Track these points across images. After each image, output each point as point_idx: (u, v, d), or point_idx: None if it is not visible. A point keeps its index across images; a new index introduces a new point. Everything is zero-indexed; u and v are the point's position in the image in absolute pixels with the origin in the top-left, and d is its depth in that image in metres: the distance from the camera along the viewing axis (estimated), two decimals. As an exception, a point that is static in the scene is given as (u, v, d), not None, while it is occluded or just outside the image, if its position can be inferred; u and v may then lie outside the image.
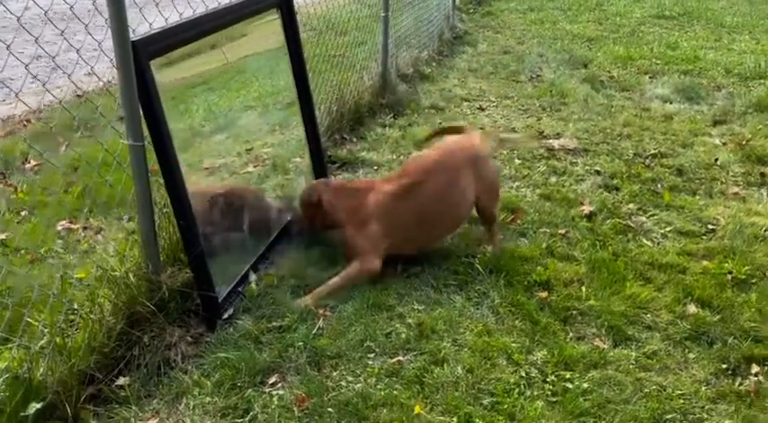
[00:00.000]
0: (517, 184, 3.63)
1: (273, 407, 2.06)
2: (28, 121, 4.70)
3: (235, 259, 2.78)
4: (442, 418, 2.02)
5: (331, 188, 2.95)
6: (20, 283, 2.35)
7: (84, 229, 3.11)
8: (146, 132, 2.16)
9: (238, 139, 3.48)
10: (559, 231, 3.09)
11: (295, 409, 2.05)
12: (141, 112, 2.10)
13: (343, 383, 2.16)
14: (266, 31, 3.22)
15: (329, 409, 2.05)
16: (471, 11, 9.36)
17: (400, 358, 2.27)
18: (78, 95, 4.98)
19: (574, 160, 3.97)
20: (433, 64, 6.33)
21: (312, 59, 4.69)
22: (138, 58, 2.02)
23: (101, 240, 2.91)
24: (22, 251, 2.88)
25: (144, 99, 2.09)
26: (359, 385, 2.15)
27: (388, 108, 4.89)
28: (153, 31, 2.14)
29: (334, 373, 2.21)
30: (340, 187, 2.99)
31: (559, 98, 5.22)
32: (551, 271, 2.74)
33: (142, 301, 2.24)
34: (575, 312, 2.52)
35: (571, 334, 2.42)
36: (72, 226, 3.12)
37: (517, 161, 3.93)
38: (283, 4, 3.09)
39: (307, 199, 2.96)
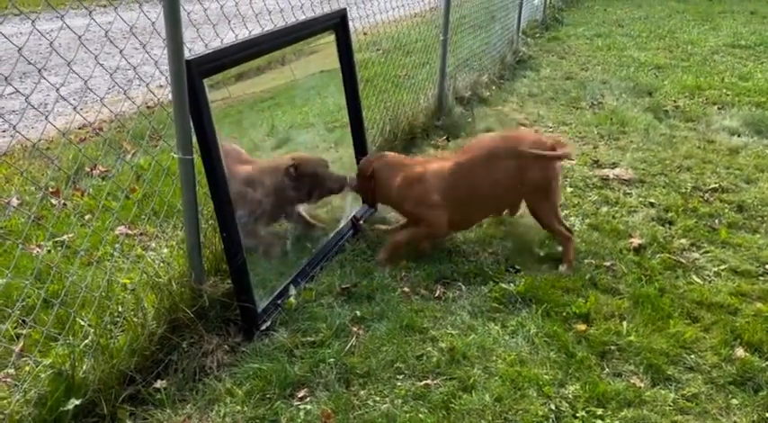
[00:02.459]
0: (566, 212, 3.56)
1: (300, 420, 2.09)
2: (100, 129, 4.97)
3: (276, 271, 2.85)
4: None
5: (386, 162, 3.09)
6: (72, 285, 2.47)
7: (141, 235, 3.25)
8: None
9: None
10: (605, 263, 3.02)
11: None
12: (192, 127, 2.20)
13: (370, 403, 2.18)
14: (334, 49, 3.32)
15: (353, 427, 2.07)
16: (537, 35, 9.32)
17: (429, 382, 2.27)
18: (148, 106, 5.28)
19: (628, 191, 3.88)
20: (493, 87, 6.32)
21: (375, 78, 4.80)
22: (192, 75, 2.12)
23: (153, 247, 3.04)
24: (82, 253, 3.04)
25: (195, 115, 2.20)
26: (385, 406, 2.16)
27: (443, 130, 4.92)
28: (207, 51, 2.25)
29: (362, 392, 2.23)
30: (396, 161, 3.12)
31: (619, 126, 5.11)
32: (592, 303, 2.68)
33: (183, 308, 2.34)
34: (613, 348, 2.46)
35: (607, 370, 2.36)
36: (129, 232, 3.28)
37: (569, 189, 3.87)
38: (339, 26, 3.17)
39: (362, 171, 3.12)
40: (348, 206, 3.50)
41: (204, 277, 2.45)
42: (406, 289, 2.81)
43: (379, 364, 2.35)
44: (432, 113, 5.00)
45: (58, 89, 2.22)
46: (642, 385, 2.28)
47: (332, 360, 2.35)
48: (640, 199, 3.77)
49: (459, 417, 2.11)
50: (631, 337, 2.50)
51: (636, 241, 3.20)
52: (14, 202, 3.63)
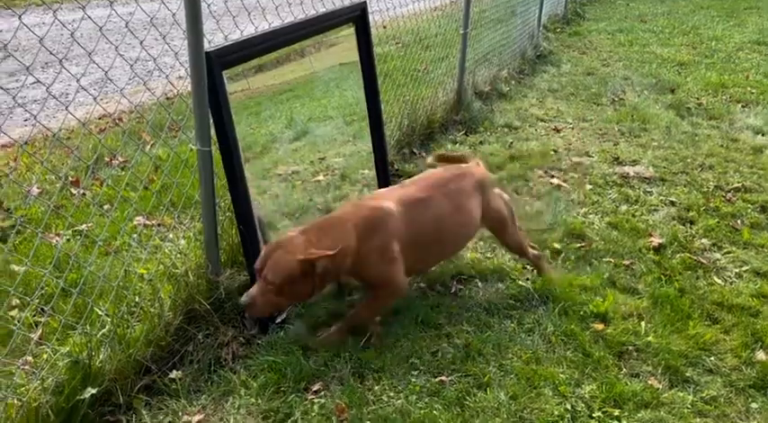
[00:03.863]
0: (585, 210, 3.53)
1: (314, 414, 2.09)
2: (120, 119, 5.00)
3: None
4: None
5: (306, 238, 2.24)
6: (90, 274, 2.49)
7: (159, 225, 3.26)
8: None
9: (314, 148, 3.58)
10: (624, 262, 2.98)
11: (334, 418, 2.08)
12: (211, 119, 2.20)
13: (384, 398, 2.17)
14: (353, 42, 3.31)
15: (368, 422, 2.07)
16: (558, 30, 9.22)
17: (443, 378, 2.25)
18: (168, 98, 5.30)
19: (648, 189, 3.82)
20: (512, 82, 6.26)
21: (394, 72, 4.77)
22: (211, 67, 2.12)
23: (170, 238, 3.05)
24: (100, 243, 3.06)
25: (214, 107, 2.19)
26: (399, 402, 2.15)
27: (461, 125, 4.89)
28: (227, 43, 2.24)
29: (377, 387, 2.22)
30: (318, 228, 2.31)
31: (640, 124, 5.04)
32: (610, 303, 2.65)
33: (200, 299, 2.34)
34: (630, 348, 2.43)
35: (625, 370, 2.33)
36: (147, 222, 3.29)
37: (588, 187, 3.83)
38: (359, 19, 3.15)
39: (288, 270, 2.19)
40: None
41: (221, 269, 2.46)
42: (422, 284, 2.80)
43: (394, 359, 2.34)
44: (450, 108, 4.97)
45: (78, 80, 2.22)
46: (660, 387, 2.25)
47: (347, 354, 2.34)
48: (661, 197, 3.71)
49: (473, 414, 2.10)
50: (650, 338, 2.46)
51: (656, 240, 3.16)
52: (35, 190, 3.67)
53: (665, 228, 3.32)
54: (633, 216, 3.47)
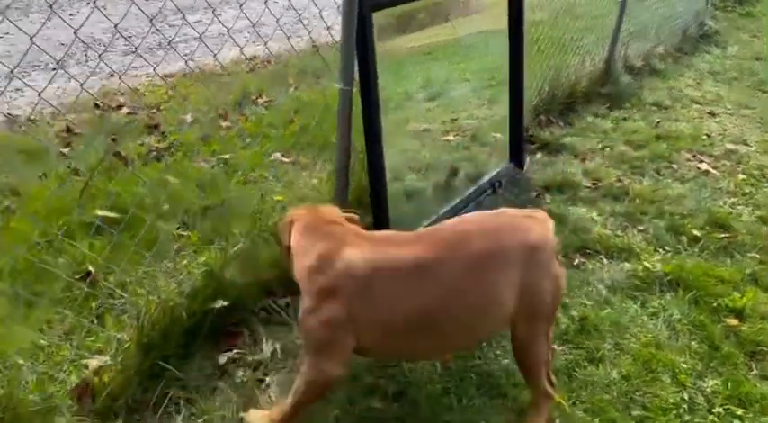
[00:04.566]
0: (734, 200, 3.25)
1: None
2: (269, 61, 5.24)
3: (416, 215, 2.87)
4: (583, 415, 1.94)
5: (305, 222, 1.82)
6: (229, 198, 2.66)
7: (293, 164, 3.42)
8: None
9: (447, 109, 3.56)
10: (771, 260, 2.74)
11: (439, 366, 2.10)
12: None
13: (491, 355, 2.17)
14: (499, 10, 3.24)
15: (471, 375, 2.07)
16: (729, 9, 8.43)
17: (554, 347, 2.20)
18: (314, 46, 5.47)
19: (813, 188, 3.46)
20: (669, 60, 5.83)
21: (541, 40, 4.61)
22: (362, 6, 2.14)
23: (304, 176, 3.19)
24: (239, 172, 3.26)
25: (360, 47, 2.23)
26: (506, 361, 2.13)
27: (606, 98, 4.64)
28: (380, -15, 2.26)
29: (484, 344, 2.21)
30: (315, 223, 1.81)
31: (813, 117, 4.53)
32: (749, 299, 2.44)
33: (324, 233, 2.43)
34: (766, 349, 2.24)
35: (755, 371, 2.16)
36: (284, 159, 3.45)
37: (741, 176, 3.52)
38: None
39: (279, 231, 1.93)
40: (492, 164, 3.42)
41: (347, 206, 2.53)
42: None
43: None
44: (596, 79, 4.72)
45: (228, 29, 2.33)
46: (794, 395, 2.07)
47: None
48: (828, 197, 3.34)
49: (581, 385, 2.04)
50: (790, 343, 2.26)
51: (812, 242, 2.86)
52: (189, 118, 3.95)
53: (826, 231, 2.99)
54: (790, 213, 3.15)
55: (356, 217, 1.94)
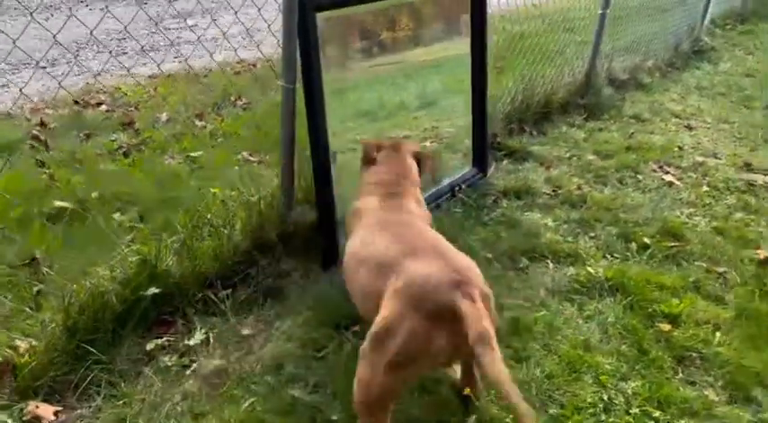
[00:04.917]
0: (692, 211, 3.26)
1: (346, 349, 2.16)
2: (254, 65, 5.33)
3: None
4: (498, 411, 1.96)
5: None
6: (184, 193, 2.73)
7: (259, 162, 3.48)
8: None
9: (432, 117, 3.61)
10: (717, 269, 2.74)
11: (364, 358, 2.13)
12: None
13: (419, 351, 2.19)
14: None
15: (395, 370, 2.10)
16: (729, 26, 8.42)
17: (482, 345, 2.23)
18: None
19: (776, 200, 3.46)
20: (657, 74, 5.85)
21: (528, 50, 4.67)
22: (304, 6, 2.20)
23: (267, 173, 3.24)
24: (204, 169, 3.32)
25: (303, 47, 2.29)
26: (433, 357, 2.16)
27: (584, 109, 4.66)
28: (323, -14, 2.32)
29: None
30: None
31: (791, 133, 4.53)
32: (686, 306, 2.45)
33: (268, 228, 2.48)
34: (695, 355, 2.25)
35: (681, 375, 2.17)
36: (251, 158, 3.52)
37: (704, 188, 3.52)
38: (476, -18, 3.10)
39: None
40: (456, 168, 3.46)
41: (293, 204, 2.58)
42: (489, 255, 2.76)
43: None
44: (576, 90, 4.75)
45: (224, 33, 2.40)
46: (716, 399, 2.07)
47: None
48: (788, 212, 3.34)
49: (501, 383, 2.06)
50: (720, 349, 2.26)
51: (763, 253, 2.86)
52: (164, 117, 4.03)
53: (779, 243, 2.99)
54: (747, 225, 3.15)
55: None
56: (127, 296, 2.12)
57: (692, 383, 2.14)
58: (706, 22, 7.60)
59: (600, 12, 4.67)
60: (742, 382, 2.13)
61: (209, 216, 2.43)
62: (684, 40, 6.83)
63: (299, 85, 2.37)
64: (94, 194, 2.74)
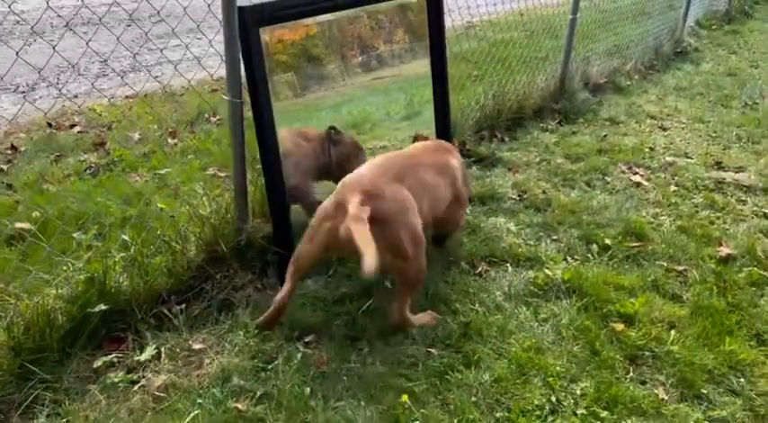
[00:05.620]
0: (657, 211, 3.26)
1: (296, 361, 2.16)
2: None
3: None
4: (444, 416, 1.96)
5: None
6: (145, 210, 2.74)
7: (228, 177, 3.49)
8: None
9: (415, 127, 3.61)
10: (677, 267, 2.73)
11: (312, 368, 2.14)
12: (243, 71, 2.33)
13: (369, 360, 2.19)
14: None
15: (343, 378, 2.10)
16: (714, 27, 8.44)
17: (433, 351, 2.23)
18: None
19: (743, 198, 3.44)
20: (636, 77, 5.87)
21: (508, 59, 4.70)
22: (244, 21, 2.23)
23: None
24: (171, 185, 3.34)
25: (247, 62, 2.31)
26: (381, 367, 2.15)
27: (559, 114, 4.67)
28: (263, 2, 2.35)
29: (365, 349, 2.24)
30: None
31: (766, 130, 4.52)
32: (642, 305, 2.45)
33: (221, 242, 2.49)
34: (647, 354, 2.24)
35: (632, 375, 2.16)
36: (219, 173, 3.54)
37: (672, 188, 3.52)
38: (432, -11, 3.13)
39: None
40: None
41: (248, 217, 2.60)
42: (450, 258, 2.76)
43: (392, 327, 2.34)
44: (549, 96, 4.76)
45: (199, 59, 2.44)
46: (666, 398, 2.06)
47: (347, 317, 2.39)
48: (755, 208, 3.33)
49: (448, 387, 2.06)
50: (674, 347, 2.25)
51: (725, 251, 2.85)
52: (136, 136, 4.07)
53: (743, 239, 2.98)
54: (711, 223, 3.15)
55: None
56: (74, 314, 2.13)
57: (643, 382, 2.13)
58: (689, 22, 7.61)
59: (570, 17, 4.69)
60: (693, 380, 2.12)
61: (159, 232, 2.44)
62: (665, 42, 6.85)
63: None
64: (55, 214, 2.76)
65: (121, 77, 4.49)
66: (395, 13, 3.06)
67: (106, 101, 4.68)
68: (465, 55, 5.36)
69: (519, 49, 5.60)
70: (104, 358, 2.14)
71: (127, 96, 4.96)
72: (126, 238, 2.40)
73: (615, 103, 5.10)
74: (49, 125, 4.12)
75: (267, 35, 2.40)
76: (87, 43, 2.56)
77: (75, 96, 4.88)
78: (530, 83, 4.69)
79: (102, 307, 2.16)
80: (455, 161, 2.67)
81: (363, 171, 2.32)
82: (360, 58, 2.96)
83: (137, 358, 2.16)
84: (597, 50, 5.85)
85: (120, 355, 2.17)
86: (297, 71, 2.59)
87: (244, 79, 2.38)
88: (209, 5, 2.45)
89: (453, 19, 4.24)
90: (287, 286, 2.27)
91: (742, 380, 2.15)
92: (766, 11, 10.00)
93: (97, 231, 2.76)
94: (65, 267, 2.25)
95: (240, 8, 2.22)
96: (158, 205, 2.65)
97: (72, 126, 4.20)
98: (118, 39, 2.50)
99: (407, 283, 2.28)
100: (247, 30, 2.27)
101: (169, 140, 4.07)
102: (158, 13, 2.65)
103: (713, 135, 4.46)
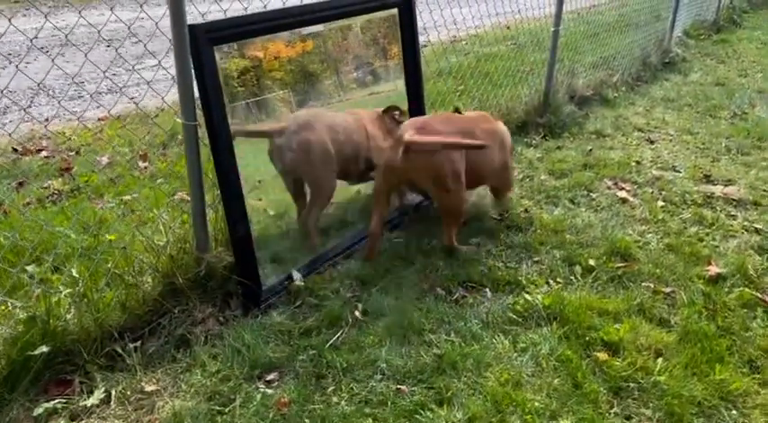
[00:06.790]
0: (644, 228, 3.12)
1: (255, 403, 2.01)
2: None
3: (297, 251, 2.78)
4: None
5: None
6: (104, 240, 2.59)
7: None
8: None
9: None
10: (665, 289, 2.59)
11: (272, 411, 1.98)
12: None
13: (334, 400, 2.04)
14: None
15: (305, 421, 1.95)
16: (702, 36, 8.38)
17: (403, 387, 2.07)
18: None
19: (733, 213, 3.31)
20: (623, 89, 5.76)
21: (492, 73, 4.60)
22: (195, 39, 2.10)
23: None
24: (137, 212, 3.20)
25: (200, 82, 2.18)
26: (347, 407, 2.00)
27: (544, 128, 4.55)
28: (216, 20, 2.22)
29: (331, 388, 2.09)
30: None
31: (756, 141, 4.41)
32: (627, 331, 2.30)
33: (178, 274, 2.34)
34: (633, 385, 2.09)
35: (616, 409, 2.00)
36: (186, 197, 3.39)
37: (660, 204, 3.38)
38: (403, 3, 3.02)
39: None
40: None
41: (208, 246, 2.45)
42: (425, 286, 2.62)
43: (361, 360, 2.19)
44: (534, 109, 4.65)
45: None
46: (652, 435, 1.91)
47: (314, 352, 2.23)
48: (745, 223, 3.20)
49: (418, 430, 1.91)
50: (661, 378, 2.10)
51: (714, 270, 2.71)
52: (104, 160, 3.93)
53: (733, 257, 2.84)
54: (700, 240, 3.01)
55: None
56: (14, 357, 1.97)
57: (628, 418, 1.98)
58: (677, 32, 7.55)
59: (552, 29, 4.59)
60: (681, 414, 1.97)
61: (110, 264, 2.29)
62: (653, 53, 6.77)
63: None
64: (9, 245, 2.61)
65: (93, 98, 4.34)
66: (354, 31, 2.94)
67: (77, 123, 4.56)
68: (452, 70, 5.27)
69: (504, 61, 5.53)
70: (46, 405, 1.97)
71: (100, 118, 4.83)
72: (74, 272, 2.24)
73: (602, 116, 4.98)
74: (15, 150, 3.98)
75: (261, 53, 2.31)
76: (53, 60, 2.45)
77: (47, 120, 4.76)
78: (513, 97, 4.58)
79: (44, 349, 2.00)
80: (503, 128, 3.06)
81: (420, 117, 2.84)
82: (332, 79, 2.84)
83: (83, 403, 2.01)
84: (583, 62, 5.76)
85: (65, 401, 2.01)
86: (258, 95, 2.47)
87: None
88: (156, 23, 2.32)
89: (439, 33, 4.14)
90: (375, 217, 2.70)
91: (734, 412, 2.00)
92: (756, 19, 10.00)
93: (52, 264, 2.62)
94: (2, 306, 2.09)
95: (191, 26, 2.09)
96: (107, 237, 2.50)
97: (39, 150, 4.06)
98: (86, 55, 2.36)
99: (449, 213, 2.76)
100: (199, 48, 2.13)
101: (140, 164, 3.94)
102: (128, 28, 2.50)
103: (702, 147, 4.34)
